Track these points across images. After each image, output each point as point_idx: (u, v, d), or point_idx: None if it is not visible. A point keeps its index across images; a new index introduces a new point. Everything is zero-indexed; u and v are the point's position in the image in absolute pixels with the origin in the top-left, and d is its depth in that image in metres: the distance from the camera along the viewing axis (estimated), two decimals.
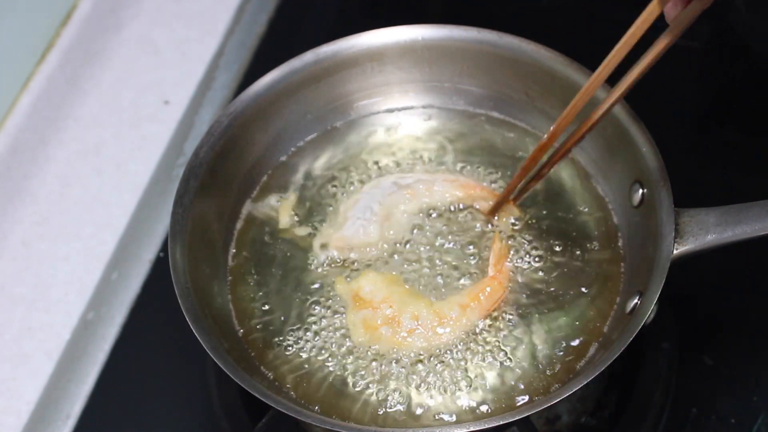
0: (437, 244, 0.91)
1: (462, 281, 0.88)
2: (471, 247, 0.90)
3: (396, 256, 0.90)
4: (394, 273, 0.89)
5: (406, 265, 0.89)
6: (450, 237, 0.91)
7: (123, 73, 1.12)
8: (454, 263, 0.89)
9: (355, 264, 0.90)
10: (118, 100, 1.10)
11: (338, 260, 0.90)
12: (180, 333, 0.84)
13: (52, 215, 1.03)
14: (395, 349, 0.84)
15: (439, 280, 0.88)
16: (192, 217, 0.87)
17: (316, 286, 0.89)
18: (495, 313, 0.86)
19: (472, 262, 0.89)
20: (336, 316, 0.87)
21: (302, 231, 0.93)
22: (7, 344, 0.95)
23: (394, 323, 0.85)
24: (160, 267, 1.02)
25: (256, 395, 0.77)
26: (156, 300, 1.00)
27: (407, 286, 0.88)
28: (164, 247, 1.02)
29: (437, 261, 0.90)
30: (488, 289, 0.87)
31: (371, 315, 0.85)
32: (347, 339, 0.86)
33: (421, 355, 0.84)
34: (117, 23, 1.15)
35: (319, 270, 0.90)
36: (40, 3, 1.07)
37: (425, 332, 0.85)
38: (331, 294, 0.89)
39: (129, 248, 1.02)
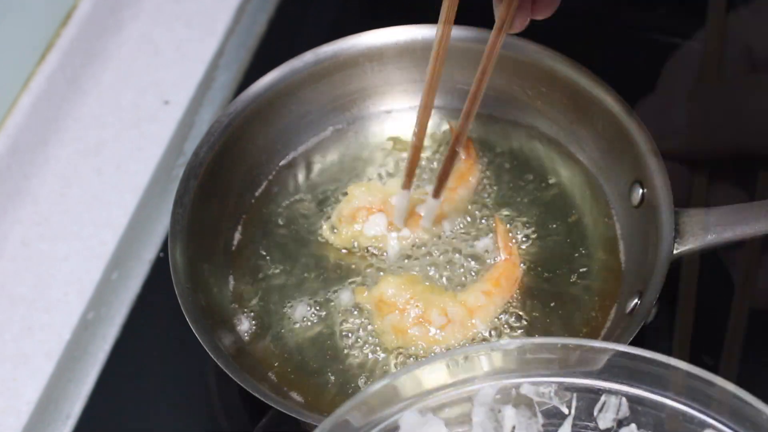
0: (436, 237, 0.91)
1: (473, 269, 0.88)
2: (472, 235, 0.90)
3: (406, 260, 0.90)
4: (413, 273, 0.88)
5: (415, 265, 0.89)
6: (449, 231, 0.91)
7: (123, 73, 1.12)
8: (461, 254, 0.89)
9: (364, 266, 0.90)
10: (118, 100, 1.10)
11: (342, 261, 0.90)
12: (180, 333, 0.83)
13: (52, 215, 1.02)
14: (431, 348, 0.84)
15: (451, 273, 0.88)
16: (192, 217, 0.87)
17: (317, 286, 0.89)
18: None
19: (478, 248, 0.89)
20: (337, 315, 0.87)
21: (304, 231, 0.93)
22: (7, 344, 0.95)
23: (424, 322, 0.84)
24: (160, 267, 1.02)
25: (256, 395, 0.77)
26: (156, 300, 1.00)
27: (427, 284, 0.87)
28: (164, 247, 1.02)
29: (443, 255, 0.89)
30: (506, 271, 0.86)
31: (399, 318, 0.84)
32: (352, 340, 0.86)
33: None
34: (117, 23, 1.15)
35: (320, 271, 0.90)
36: (40, 3, 1.07)
37: (456, 326, 0.84)
38: (331, 295, 0.89)
39: (129, 248, 1.02)
